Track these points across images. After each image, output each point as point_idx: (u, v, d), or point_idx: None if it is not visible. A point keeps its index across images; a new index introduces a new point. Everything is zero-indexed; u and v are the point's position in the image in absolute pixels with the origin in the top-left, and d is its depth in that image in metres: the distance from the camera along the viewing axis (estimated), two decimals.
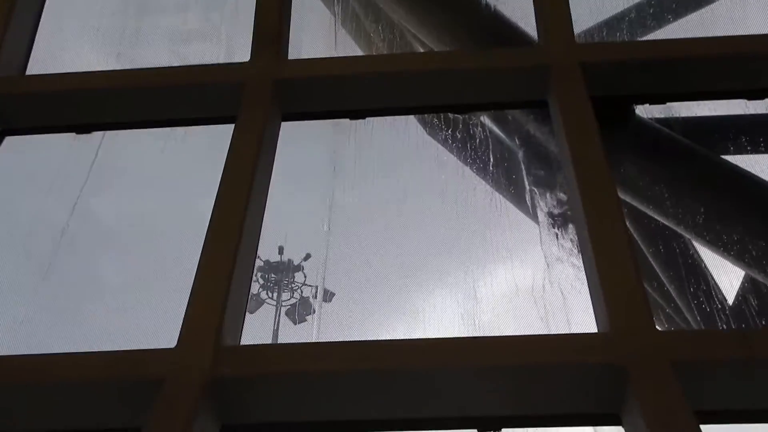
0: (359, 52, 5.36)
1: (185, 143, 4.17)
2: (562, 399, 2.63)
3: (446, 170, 4.87)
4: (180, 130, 4.08)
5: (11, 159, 4.08)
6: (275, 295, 15.05)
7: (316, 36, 5.27)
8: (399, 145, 4.47)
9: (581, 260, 3.13)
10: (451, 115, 4.44)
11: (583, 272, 3.09)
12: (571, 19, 4.09)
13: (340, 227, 4.21)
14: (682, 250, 4.60)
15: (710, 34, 4.10)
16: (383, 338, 2.90)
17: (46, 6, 4.64)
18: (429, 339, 2.81)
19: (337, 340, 3.07)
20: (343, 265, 4.22)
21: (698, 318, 4.40)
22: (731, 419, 2.61)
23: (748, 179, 4.11)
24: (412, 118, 4.57)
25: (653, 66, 3.83)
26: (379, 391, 2.65)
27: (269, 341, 7.03)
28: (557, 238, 4.17)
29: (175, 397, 2.57)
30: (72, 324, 3.84)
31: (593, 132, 3.43)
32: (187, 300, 2.94)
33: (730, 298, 4.51)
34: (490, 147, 4.85)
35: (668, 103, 4.01)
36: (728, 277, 4.45)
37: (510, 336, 2.82)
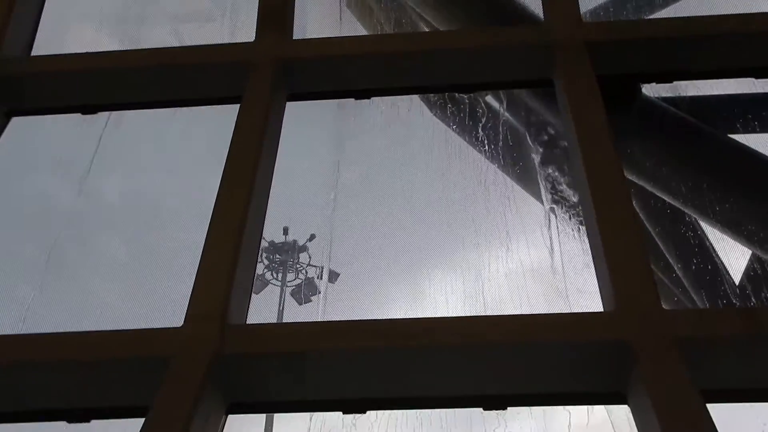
0: (364, 32, 5.34)
1: (190, 123, 4.17)
2: (567, 378, 2.63)
3: (452, 150, 4.86)
4: (185, 110, 4.08)
5: (18, 139, 4.08)
6: (280, 275, 15.10)
7: (321, 16, 5.25)
8: (404, 125, 4.46)
9: (587, 240, 3.12)
10: (456, 95, 4.43)
11: (590, 252, 3.09)
12: None
13: (345, 208, 4.21)
14: (689, 229, 4.59)
15: (717, 12, 4.06)
16: (387, 317, 2.91)
17: None
18: (433, 318, 2.82)
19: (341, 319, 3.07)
20: (347, 246, 4.23)
21: (704, 297, 4.40)
22: (737, 398, 2.62)
23: (755, 158, 4.09)
24: (416, 97, 4.56)
25: (660, 44, 3.81)
26: (384, 370, 2.67)
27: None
28: (564, 218, 4.16)
29: (182, 375, 2.59)
30: (78, 303, 3.86)
31: (599, 111, 3.42)
32: (193, 279, 2.96)
33: (737, 278, 4.51)
34: (497, 127, 4.84)
35: (675, 82, 3.99)
36: (735, 256, 4.44)
37: (514, 314, 2.83)
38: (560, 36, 3.87)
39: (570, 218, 4.10)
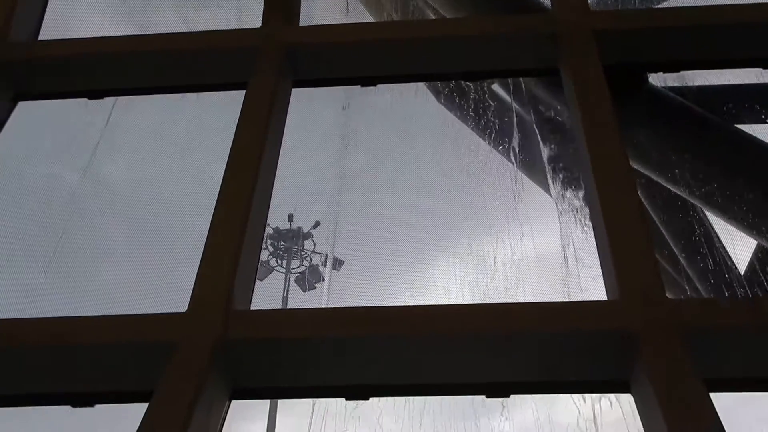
0: (371, 19, 5.33)
1: (196, 109, 4.17)
2: (570, 366, 2.64)
3: (457, 139, 4.86)
4: (191, 96, 4.08)
5: (24, 124, 4.08)
6: (285, 262, 15.15)
7: (328, 2, 5.24)
8: (410, 112, 4.46)
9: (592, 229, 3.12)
10: (462, 83, 4.42)
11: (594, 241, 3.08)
12: None
13: (349, 196, 4.21)
14: (694, 219, 4.59)
15: (725, 2, 4.04)
16: (392, 304, 2.91)
17: None
18: (437, 305, 2.82)
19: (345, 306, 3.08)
20: (352, 233, 4.23)
21: (709, 287, 4.40)
22: (740, 387, 2.62)
23: (762, 149, 4.07)
24: (422, 85, 4.55)
25: (667, 33, 3.79)
26: (387, 357, 2.67)
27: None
28: (569, 208, 4.16)
29: (186, 360, 2.60)
30: (83, 288, 3.87)
31: (605, 101, 3.40)
32: (197, 265, 2.96)
33: (742, 269, 4.50)
34: (503, 116, 4.83)
35: (682, 71, 3.98)
36: (740, 247, 4.44)
37: (518, 303, 2.84)
38: (567, 24, 3.85)
39: (577, 207, 4.10)
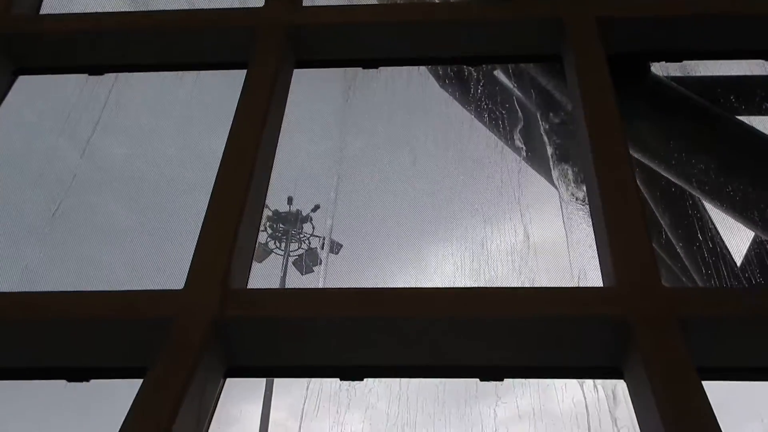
0: (374, 1, 5.30)
1: (197, 88, 4.16)
2: (564, 351, 2.65)
3: (457, 123, 4.85)
4: (192, 74, 4.07)
5: (24, 99, 4.07)
6: (283, 245, 15.13)
7: None
8: (410, 96, 4.45)
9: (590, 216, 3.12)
10: (464, 68, 4.41)
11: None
12: None
13: (349, 180, 4.21)
14: (693, 210, 4.59)
15: None
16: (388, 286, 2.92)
17: None
18: (433, 288, 2.82)
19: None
20: (351, 217, 4.23)
21: (705, 277, 4.40)
22: (734, 376, 2.63)
23: (763, 140, 4.07)
24: (424, 69, 4.54)
25: (670, 23, 3.78)
26: (383, 338, 2.68)
27: None
28: (567, 194, 4.16)
29: (181, 337, 2.60)
30: (81, 265, 3.87)
31: (607, 89, 3.39)
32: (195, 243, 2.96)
33: (738, 260, 4.51)
34: (504, 101, 4.82)
35: (684, 61, 3.96)
36: (738, 239, 4.44)
37: (513, 288, 2.84)
38: (571, 11, 3.83)
39: (575, 193, 4.10)
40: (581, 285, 3.07)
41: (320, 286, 3.93)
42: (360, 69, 4.05)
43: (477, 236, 3.80)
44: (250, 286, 3.07)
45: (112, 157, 4.39)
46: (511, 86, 4.92)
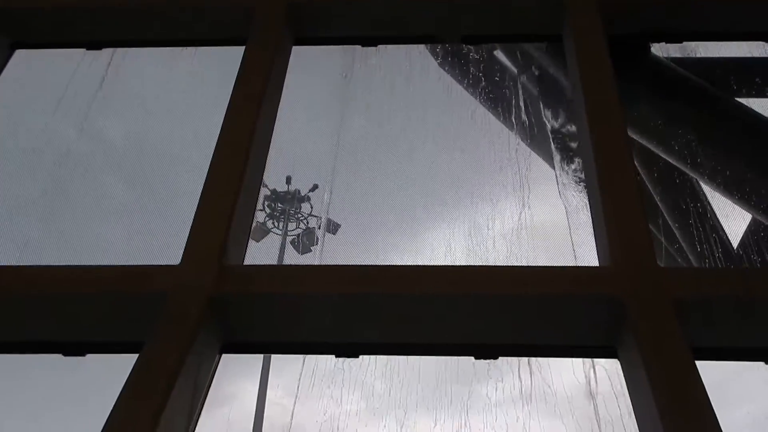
0: None
1: (195, 65, 4.14)
2: (559, 330, 2.65)
3: (457, 103, 4.84)
4: (190, 50, 4.05)
5: (21, 73, 4.06)
6: (281, 224, 15.15)
7: None
8: (410, 75, 4.43)
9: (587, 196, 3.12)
10: (464, 46, 4.39)
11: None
12: None
13: (348, 160, 4.20)
14: (690, 191, 4.59)
15: None
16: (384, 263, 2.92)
17: None
18: (430, 266, 2.82)
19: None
20: (349, 197, 4.22)
21: (701, 259, 4.41)
22: (727, 356, 2.63)
23: (762, 123, 4.06)
24: (423, 48, 4.52)
25: (671, 3, 3.76)
26: (379, 315, 2.68)
27: None
28: (567, 175, 4.15)
29: (177, 312, 2.60)
30: (77, 240, 3.87)
31: (607, 69, 3.38)
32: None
33: (735, 243, 4.51)
34: (503, 81, 4.81)
35: (684, 43, 3.95)
36: (735, 221, 4.44)
37: (509, 266, 2.85)
38: None
39: (574, 175, 4.09)
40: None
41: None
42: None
43: (477, 217, 3.80)
44: (247, 263, 3.08)
45: (109, 135, 4.38)
46: (512, 67, 4.91)
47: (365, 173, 4.30)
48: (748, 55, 4.29)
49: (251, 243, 3.21)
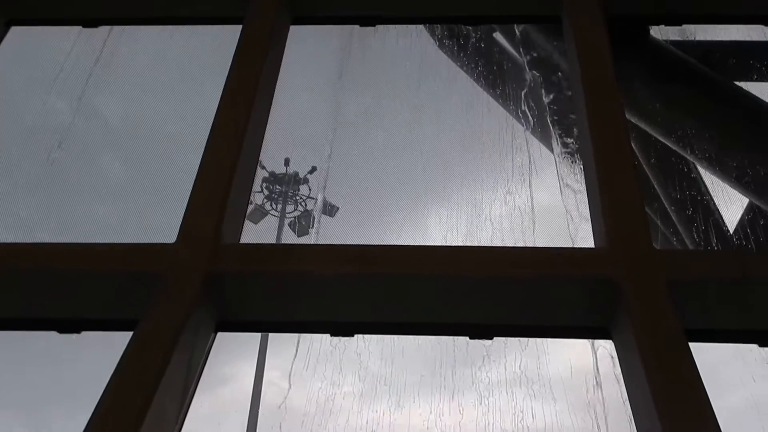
0: None
1: (191, 43, 4.12)
2: (554, 311, 2.66)
3: (455, 85, 4.83)
4: (186, 29, 4.03)
5: (16, 50, 4.04)
6: (279, 206, 15.13)
7: None
8: (408, 56, 4.42)
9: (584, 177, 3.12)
10: (463, 27, 4.37)
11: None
12: None
13: (346, 142, 4.19)
14: (687, 175, 4.59)
15: None
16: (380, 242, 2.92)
17: None
18: (425, 246, 2.82)
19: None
20: (347, 180, 4.23)
21: (697, 242, 4.42)
22: (720, 339, 2.64)
23: (761, 106, 4.05)
24: (422, 29, 4.50)
25: None
26: (374, 294, 2.69)
27: None
28: (565, 158, 4.15)
29: (172, 290, 2.60)
30: (74, 220, 3.87)
31: (605, 51, 3.37)
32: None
33: (732, 227, 4.52)
34: (501, 63, 4.79)
35: (684, 25, 3.94)
36: (732, 206, 4.45)
37: (505, 246, 2.85)
38: None
39: (572, 159, 4.08)
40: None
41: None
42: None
43: (477, 199, 3.80)
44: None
45: (106, 114, 4.37)
46: (511, 49, 4.89)
47: (363, 156, 4.29)
48: (748, 38, 4.28)
49: (250, 225, 3.21)
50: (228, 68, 3.46)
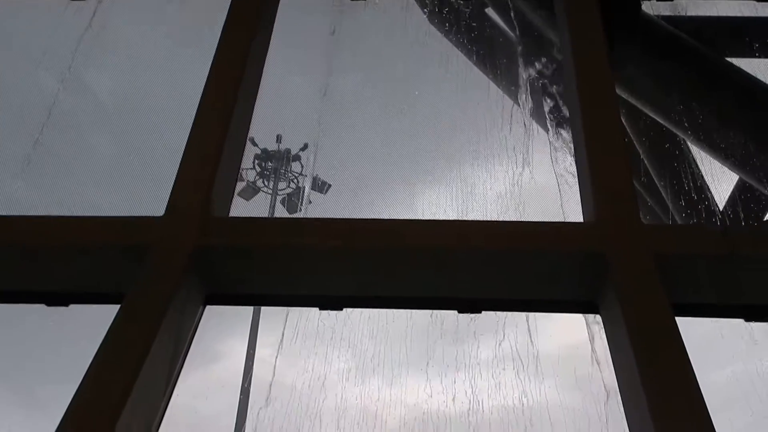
0: None
1: (180, 15, 4.09)
2: (541, 285, 2.66)
3: (448, 61, 4.81)
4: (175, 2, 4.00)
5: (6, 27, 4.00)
6: (271, 184, 15.10)
7: None
8: (400, 33, 4.40)
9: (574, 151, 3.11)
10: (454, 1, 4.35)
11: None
12: None
13: (338, 119, 4.17)
14: (678, 151, 4.59)
15: None
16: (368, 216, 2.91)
17: None
18: (413, 220, 2.81)
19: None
20: (339, 157, 4.21)
21: (686, 218, 4.42)
22: (707, 313, 2.65)
23: (752, 82, 4.05)
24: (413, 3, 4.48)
25: None
26: (362, 268, 2.68)
27: None
28: (557, 137, 4.14)
29: (160, 264, 2.59)
30: (63, 194, 3.85)
31: (596, 24, 3.36)
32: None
33: (722, 204, 4.53)
34: (494, 39, 4.77)
35: (675, 0, 3.92)
36: (722, 183, 4.45)
37: (493, 221, 2.84)
38: None
39: (564, 138, 4.08)
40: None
41: None
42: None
43: (471, 179, 3.79)
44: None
45: (95, 90, 4.34)
46: (504, 26, 4.86)
47: (356, 132, 4.28)
48: (738, 14, 4.27)
49: (242, 202, 3.19)
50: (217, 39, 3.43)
